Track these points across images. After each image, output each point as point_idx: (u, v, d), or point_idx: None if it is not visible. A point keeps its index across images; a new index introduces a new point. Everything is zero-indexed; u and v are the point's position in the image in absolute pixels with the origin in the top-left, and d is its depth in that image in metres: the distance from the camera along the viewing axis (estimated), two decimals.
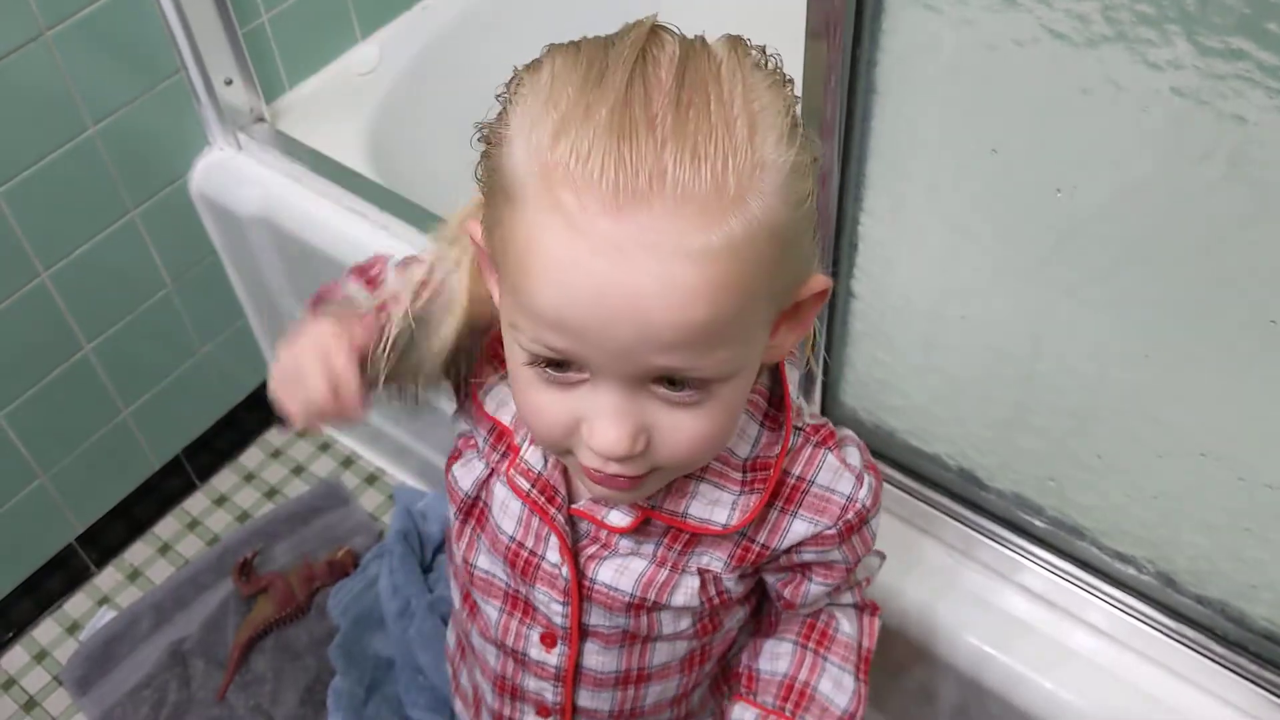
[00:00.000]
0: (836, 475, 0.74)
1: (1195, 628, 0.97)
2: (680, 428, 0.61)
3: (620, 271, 0.54)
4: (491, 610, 0.81)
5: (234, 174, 1.46)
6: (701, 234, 0.54)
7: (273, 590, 1.53)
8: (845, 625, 0.84)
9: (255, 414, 1.76)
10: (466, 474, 0.79)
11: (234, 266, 1.58)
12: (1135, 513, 0.95)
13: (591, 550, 0.75)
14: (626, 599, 0.75)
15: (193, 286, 1.56)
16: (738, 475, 0.72)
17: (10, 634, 1.57)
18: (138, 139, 1.39)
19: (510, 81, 0.60)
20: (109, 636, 1.53)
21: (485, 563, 0.80)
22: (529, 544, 0.76)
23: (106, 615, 1.58)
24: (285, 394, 0.70)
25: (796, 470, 0.74)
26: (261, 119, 1.48)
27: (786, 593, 0.80)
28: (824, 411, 1.08)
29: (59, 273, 1.38)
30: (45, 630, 1.58)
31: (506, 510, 0.76)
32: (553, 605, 0.77)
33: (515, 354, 0.62)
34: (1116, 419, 0.90)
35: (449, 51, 1.62)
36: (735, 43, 0.60)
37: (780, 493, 0.73)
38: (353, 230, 1.37)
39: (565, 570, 0.75)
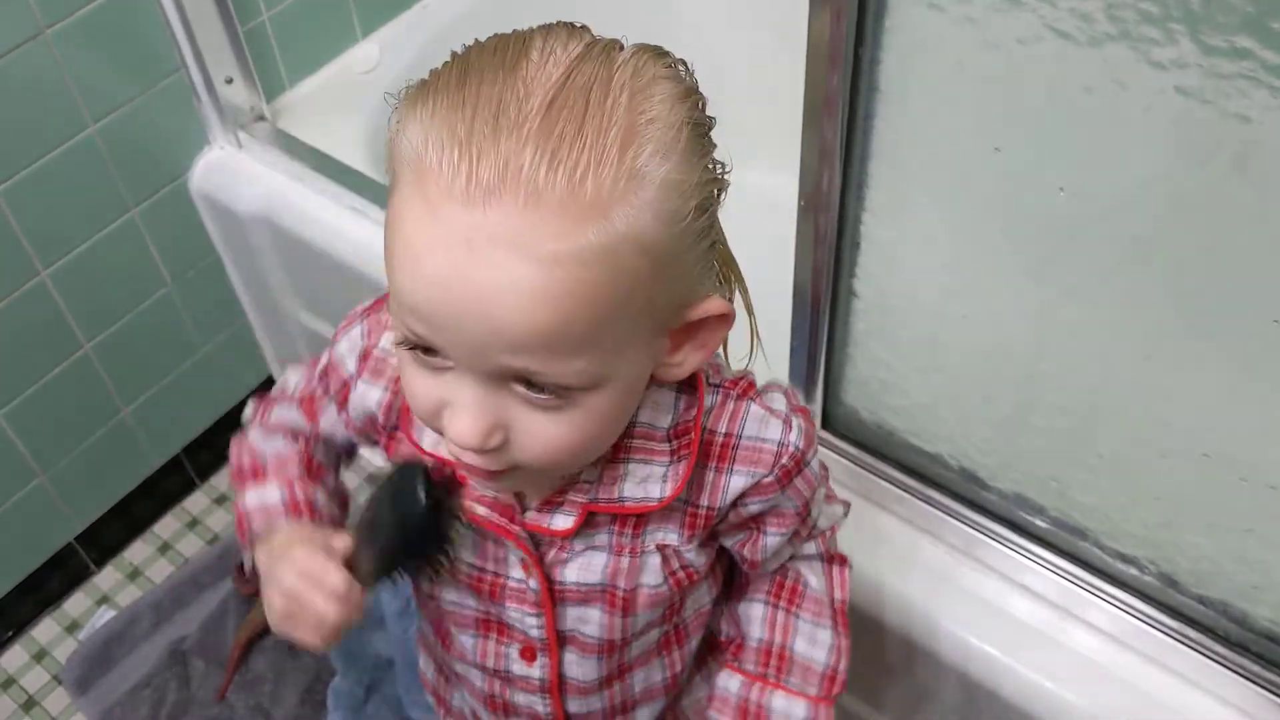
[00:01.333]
0: (763, 424, 0.74)
1: (1197, 628, 0.96)
2: (537, 431, 0.61)
3: (468, 264, 0.54)
4: (467, 638, 0.81)
5: (234, 172, 1.46)
6: (551, 240, 0.54)
7: None
8: (813, 580, 0.83)
9: None
10: None
11: (234, 265, 1.58)
12: (1137, 513, 0.95)
13: (550, 555, 0.75)
14: (600, 589, 0.75)
15: (193, 285, 1.55)
16: (664, 446, 0.72)
17: (9, 633, 1.56)
18: (138, 137, 1.39)
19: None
20: (108, 636, 1.53)
21: (452, 595, 0.80)
22: (490, 567, 0.76)
23: (106, 614, 1.58)
24: (296, 630, 0.72)
25: (722, 427, 0.73)
26: (262, 117, 1.47)
27: (747, 552, 0.79)
28: (825, 411, 1.08)
29: (59, 271, 1.38)
30: (44, 629, 1.58)
31: (461, 540, 0.75)
32: (526, 619, 0.77)
33: (395, 332, 0.62)
34: (1119, 419, 0.90)
35: (449, 50, 1.61)
36: (645, 52, 0.59)
37: (710, 452, 0.73)
38: (353, 229, 1.36)
39: (534, 582, 0.75)
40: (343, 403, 0.79)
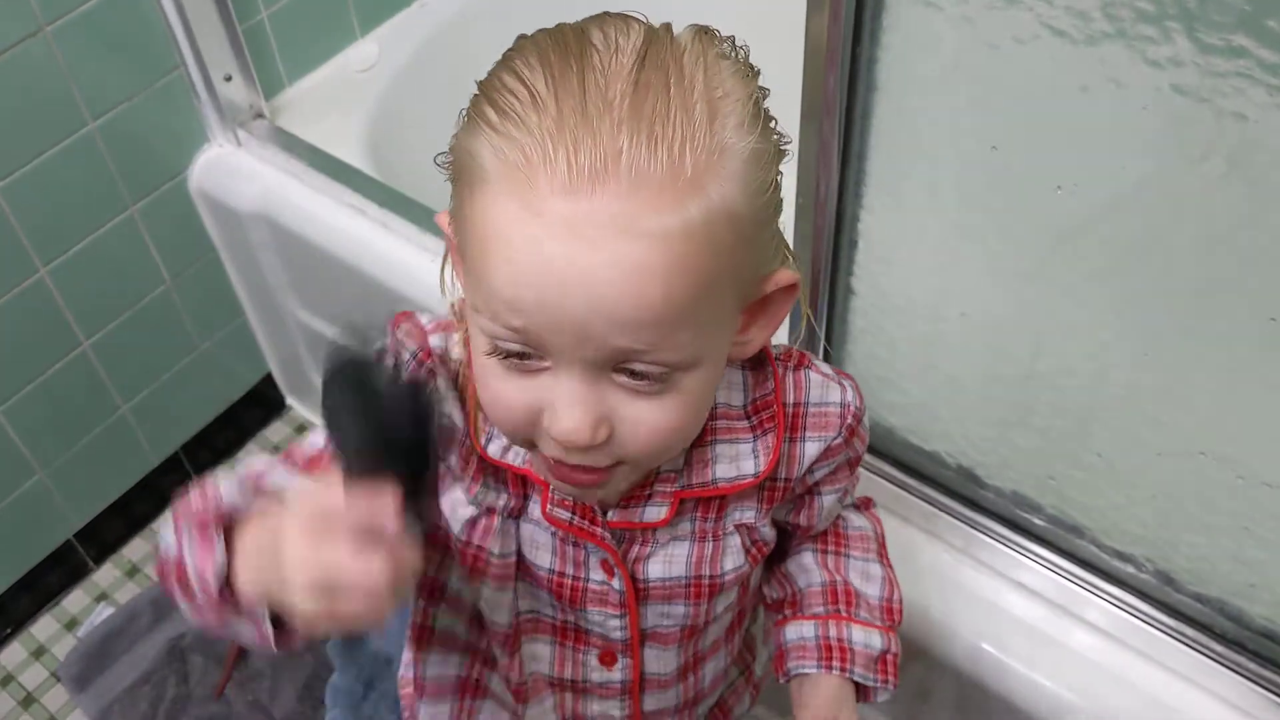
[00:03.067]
0: (825, 389, 0.75)
1: (1194, 626, 0.97)
2: (642, 419, 0.60)
3: (574, 251, 0.54)
4: (543, 648, 0.80)
5: (233, 170, 1.46)
6: (656, 216, 0.54)
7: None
8: (854, 519, 0.86)
9: (254, 410, 1.76)
10: (509, 542, 0.74)
11: (233, 263, 1.58)
12: (1134, 511, 0.95)
13: (634, 553, 0.75)
14: (684, 584, 0.75)
15: (192, 283, 1.56)
16: (744, 424, 0.73)
17: (8, 630, 1.56)
18: (137, 135, 1.39)
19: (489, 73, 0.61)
20: (107, 633, 1.53)
21: (527, 603, 0.78)
22: (570, 571, 0.75)
23: (105, 611, 1.58)
24: (335, 607, 0.54)
25: (790, 399, 0.74)
26: (261, 115, 1.47)
27: (802, 519, 0.81)
28: None
29: (58, 268, 1.38)
30: (43, 626, 1.58)
31: (537, 545, 0.75)
32: (609, 622, 0.76)
33: (479, 343, 0.61)
34: (1116, 418, 0.90)
35: (448, 48, 1.61)
36: (701, 32, 0.60)
37: (785, 424, 0.74)
38: (352, 226, 1.37)
39: (618, 583, 0.74)
40: None
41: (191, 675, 1.49)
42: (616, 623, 0.76)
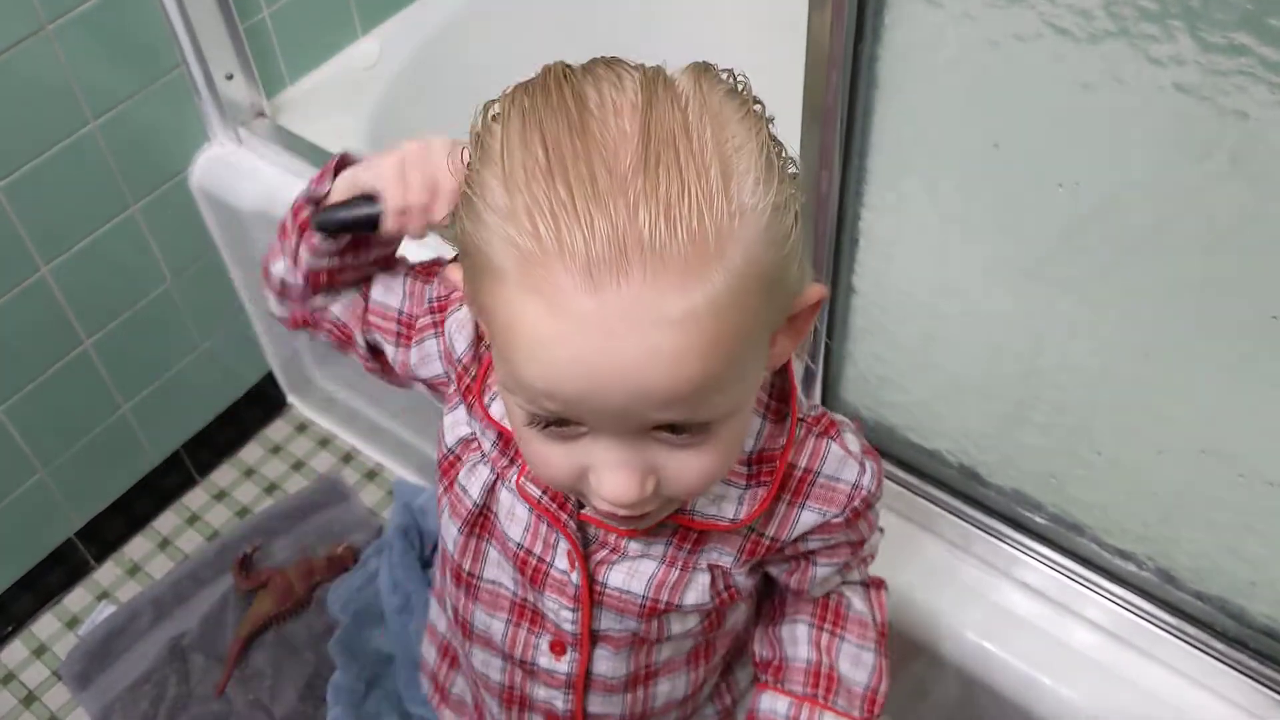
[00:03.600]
0: (842, 464, 0.74)
1: (1195, 624, 0.97)
2: (685, 468, 0.60)
3: (605, 346, 0.52)
4: (498, 623, 0.81)
5: (234, 169, 1.46)
6: (683, 297, 0.52)
7: (272, 585, 1.53)
8: (857, 603, 0.84)
9: (255, 409, 1.76)
10: (473, 481, 0.77)
11: (234, 261, 1.58)
12: (1135, 509, 0.95)
13: (601, 555, 0.75)
14: (639, 602, 0.75)
15: (193, 281, 1.56)
16: (743, 469, 0.72)
17: (10, 628, 1.56)
18: (138, 133, 1.39)
19: (472, 137, 0.58)
20: (108, 631, 1.53)
21: (493, 573, 0.79)
22: (537, 551, 0.75)
23: (106, 610, 1.58)
24: (409, 181, 0.77)
25: (802, 462, 0.73)
26: (262, 114, 1.47)
27: (793, 582, 0.80)
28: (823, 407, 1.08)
29: (59, 267, 1.38)
30: (45, 625, 1.58)
31: (513, 517, 0.75)
32: (562, 612, 0.76)
33: (514, 411, 0.61)
34: (1117, 415, 0.90)
35: (449, 46, 1.61)
36: (700, 74, 0.57)
37: (788, 485, 0.73)
38: None
39: (575, 576, 0.74)
40: (441, 310, 0.80)
41: (192, 674, 1.49)
42: (569, 615, 0.76)
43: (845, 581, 0.84)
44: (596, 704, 0.82)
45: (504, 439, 0.74)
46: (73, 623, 1.58)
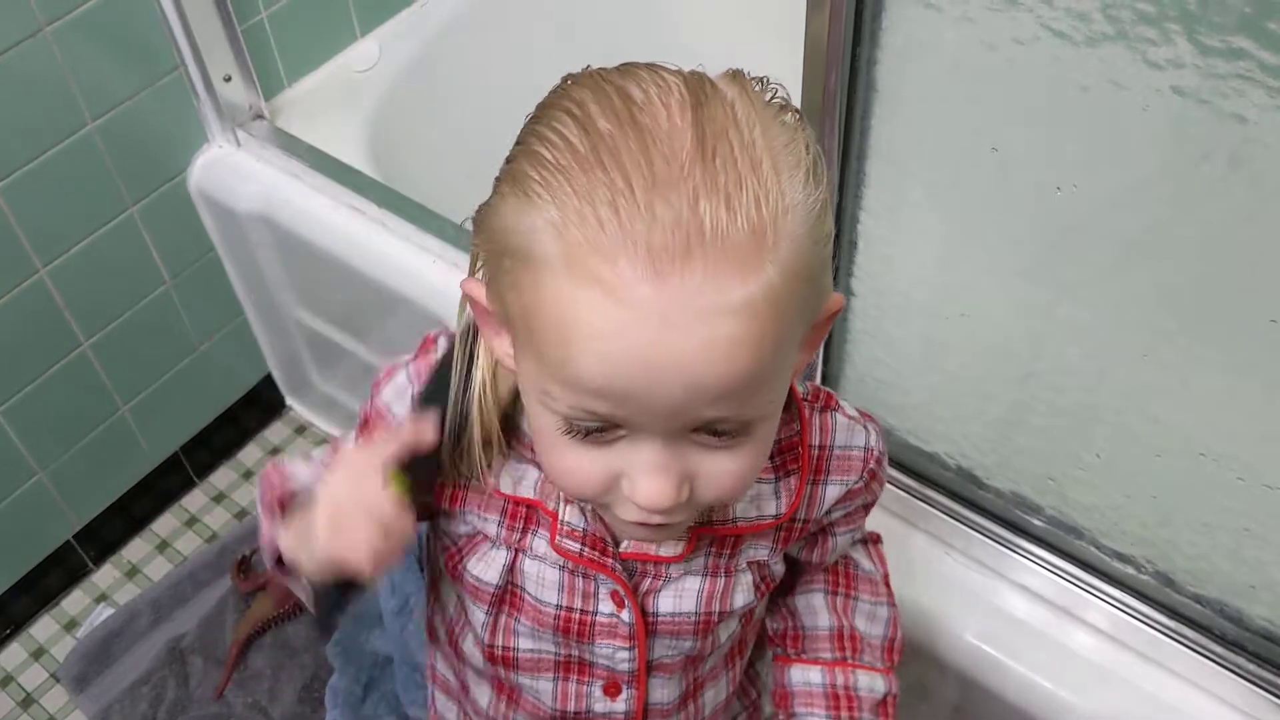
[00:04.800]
0: (850, 432, 0.76)
1: (1194, 627, 0.97)
2: (720, 471, 0.60)
3: (665, 336, 0.52)
4: (545, 683, 0.79)
5: (233, 171, 1.46)
6: (742, 287, 0.52)
7: (271, 588, 1.52)
8: (864, 563, 0.86)
9: (254, 411, 1.76)
10: (488, 568, 0.74)
11: (233, 263, 1.58)
12: (1134, 512, 0.95)
13: (645, 586, 0.74)
14: (693, 620, 0.74)
15: (191, 283, 1.55)
16: (767, 464, 0.72)
17: (8, 631, 1.56)
18: (137, 135, 1.39)
19: (521, 138, 0.58)
20: (107, 634, 1.53)
21: (528, 644, 0.77)
22: (578, 605, 0.74)
23: (104, 612, 1.58)
24: (339, 546, 0.62)
25: (815, 440, 0.74)
26: (260, 116, 1.47)
27: (814, 556, 0.82)
28: None
29: (57, 269, 1.38)
30: (43, 627, 1.58)
31: (543, 582, 0.73)
32: (618, 654, 0.76)
33: (546, 420, 0.59)
34: (1115, 418, 0.90)
35: (448, 49, 1.61)
36: (740, 79, 0.57)
37: (809, 466, 0.74)
38: (352, 227, 1.36)
39: (627, 615, 0.73)
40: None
41: (191, 676, 1.49)
42: (625, 655, 0.76)
43: (852, 541, 0.86)
44: None
45: (512, 513, 0.72)
46: (71, 625, 1.58)
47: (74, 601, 1.60)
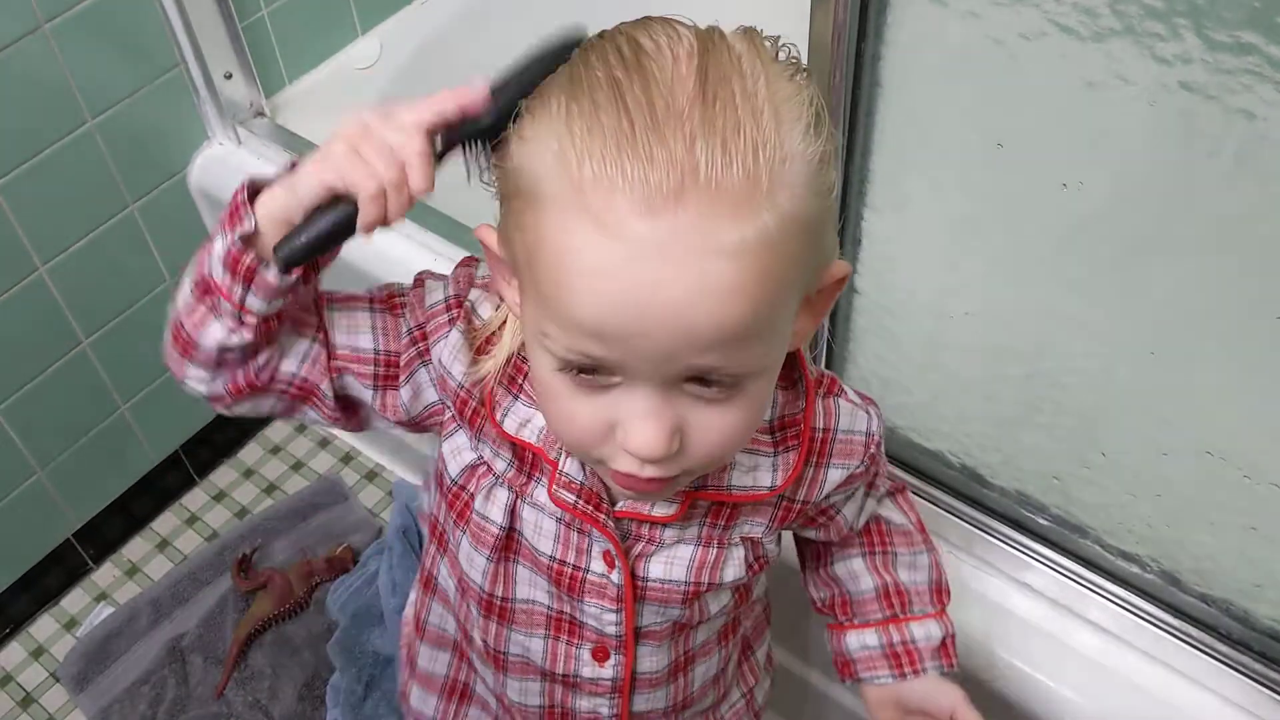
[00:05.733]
0: (853, 416, 0.76)
1: (1199, 626, 0.96)
2: (712, 425, 0.60)
3: (658, 275, 0.53)
4: (536, 640, 0.79)
5: (233, 168, 1.46)
6: (736, 229, 0.53)
7: (271, 586, 1.52)
8: (895, 517, 0.87)
9: None
10: (492, 506, 0.75)
11: None
12: (1139, 511, 0.94)
13: (637, 549, 0.74)
14: (682, 589, 0.75)
15: None
16: (767, 438, 0.73)
17: (7, 630, 1.56)
18: (137, 133, 1.38)
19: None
20: (107, 633, 1.52)
21: (525, 592, 0.78)
22: (570, 559, 0.75)
23: (104, 611, 1.57)
24: (348, 165, 0.63)
25: (819, 423, 0.75)
26: (261, 113, 1.47)
27: (832, 534, 0.83)
28: None
29: (57, 267, 1.38)
30: (42, 626, 1.58)
31: (540, 531, 0.74)
32: (605, 615, 0.76)
33: (543, 361, 0.60)
34: (1121, 416, 0.90)
35: (448, 46, 1.61)
36: (751, 34, 0.59)
37: (811, 448, 0.75)
38: None
39: (616, 576, 0.74)
40: (422, 339, 0.74)
41: (191, 675, 1.48)
42: (612, 617, 0.76)
43: (875, 496, 0.86)
44: (641, 702, 0.82)
45: (521, 455, 0.73)
46: (71, 624, 1.58)
47: (74, 600, 1.60)
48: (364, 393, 0.76)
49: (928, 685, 0.83)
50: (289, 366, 0.74)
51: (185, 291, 0.71)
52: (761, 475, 0.73)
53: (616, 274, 0.53)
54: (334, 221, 0.65)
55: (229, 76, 1.41)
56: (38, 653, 1.55)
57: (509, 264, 0.62)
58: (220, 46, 1.38)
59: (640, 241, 0.52)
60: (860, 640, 0.85)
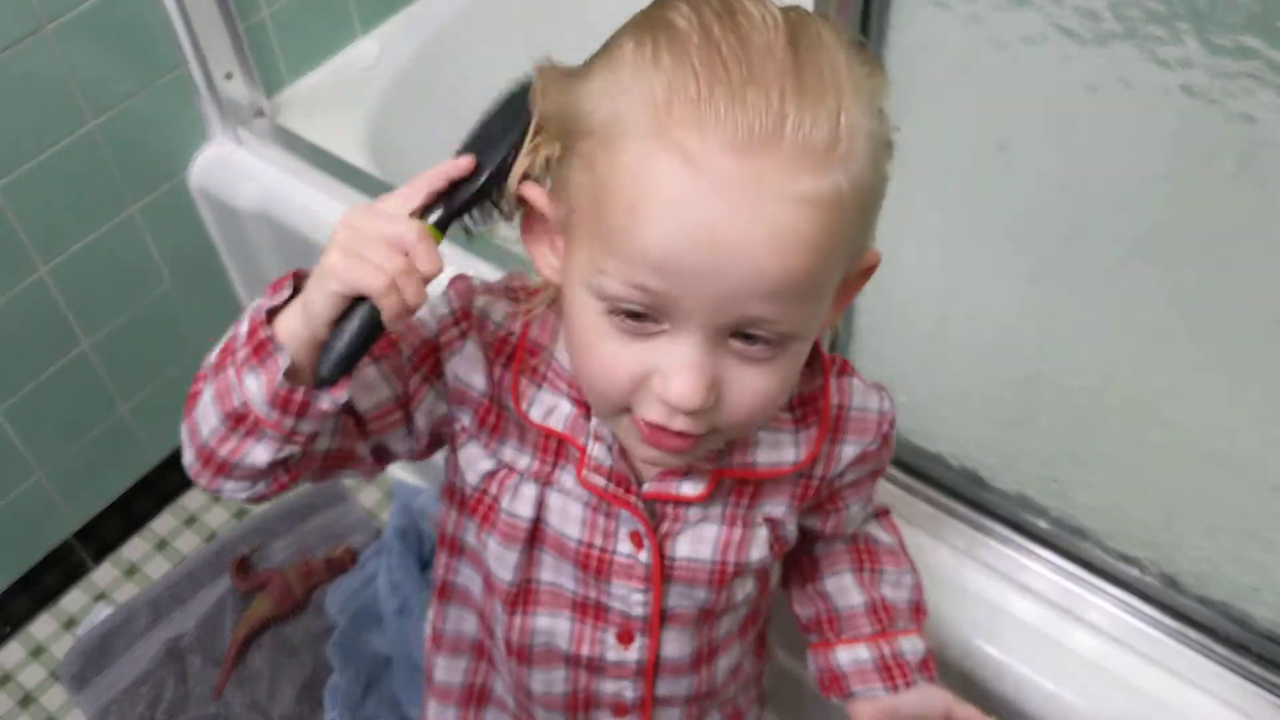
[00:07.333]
0: (866, 395, 0.78)
1: (1198, 629, 0.96)
2: (748, 384, 0.61)
3: (736, 212, 0.54)
4: (562, 622, 0.80)
5: (234, 169, 1.46)
6: (813, 182, 0.55)
7: (270, 587, 1.52)
8: (882, 536, 0.89)
9: None
10: (520, 502, 0.75)
11: (233, 262, 1.58)
12: (1138, 514, 0.95)
13: (664, 529, 0.75)
14: (709, 568, 0.76)
15: (192, 282, 1.55)
16: (788, 415, 0.75)
17: (7, 630, 1.56)
18: (138, 133, 1.38)
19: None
20: (106, 633, 1.52)
21: (550, 576, 0.79)
22: (598, 542, 0.76)
23: (103, 611, 1.57)
24: (353, 268, 0.62)
25: (834, 400, 0.77)
26: (262, 113, 1.47)
27: (829, 527, 0.84)
28: None
29: (57, 267, 1.38)
30: (42, 626, 1.57)
31: (568, 516, 0.75)
32: (632, 596, 0.77)
33: (590, 306, 0.61)
34: (1121, 420, 0.90)
35: (449, 47, 1.61)
36: (828, 19, 0.61)
37: (827, 424, 0.76)
38: None
39: (645, 556, 0.75)
40: (428, 360, 0.74)
41: (190, 675, 1.48)
42: (640, 598, 0.77)
43: (866, 518, 0.89)
44: (665, 687, 0.83)
45: (544, 445, 0.74)
46: (70, 624, 1.58)
47: (73, 600, 1.60)
48: (404, 440, 0.76)
49: (918, 694, 0.84)
50: (322, 445, 0.73)
51: (212, 422, 0.70)
52: (785, 451, 0.75)
53: (695, 207, 0.55)
54: (360, 327, 0.64)
55: (229, 77, 1.41)
56: (37, 652, 1.55)
57: (555, 220, 0.63)
58: (221, 47, 1.38)
59: (726, 177, 0.54)
60: (852, 655, 0.86)
